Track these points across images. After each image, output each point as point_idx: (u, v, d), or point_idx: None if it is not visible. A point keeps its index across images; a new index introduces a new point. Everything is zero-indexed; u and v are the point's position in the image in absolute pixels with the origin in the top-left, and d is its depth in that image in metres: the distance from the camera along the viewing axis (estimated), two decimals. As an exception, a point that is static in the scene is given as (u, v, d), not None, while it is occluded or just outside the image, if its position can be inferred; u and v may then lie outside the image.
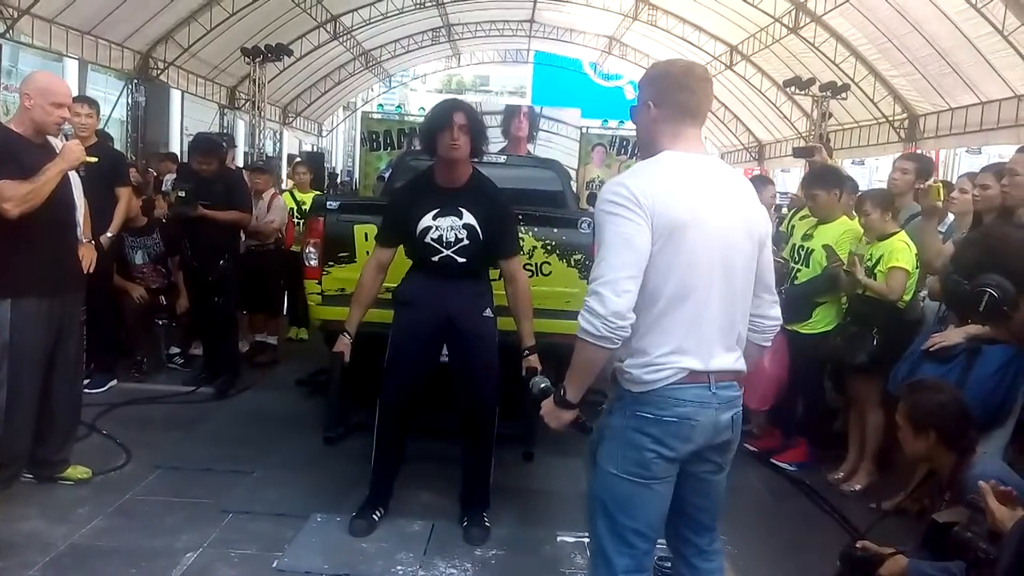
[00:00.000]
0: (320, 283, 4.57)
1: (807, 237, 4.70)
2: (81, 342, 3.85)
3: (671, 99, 2.11)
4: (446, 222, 3.44)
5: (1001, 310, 1.92)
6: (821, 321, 4.52)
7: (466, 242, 3.44)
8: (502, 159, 6.68)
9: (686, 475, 2.17)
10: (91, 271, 3.83)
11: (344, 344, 3.55)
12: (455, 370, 3.59)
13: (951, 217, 4.51)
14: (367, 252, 4.44)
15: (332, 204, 4.67)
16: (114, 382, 5.38)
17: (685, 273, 2.01)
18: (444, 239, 3.44)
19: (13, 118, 3.63)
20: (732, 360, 2.12)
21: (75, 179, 3.72)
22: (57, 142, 3.64)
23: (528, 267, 4.46)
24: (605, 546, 2.15)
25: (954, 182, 4.77)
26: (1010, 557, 1.83)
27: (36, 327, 3.52)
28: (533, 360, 3.47)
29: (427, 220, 3.44)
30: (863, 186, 6.19)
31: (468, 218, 3.43)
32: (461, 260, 3.45)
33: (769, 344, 2.32)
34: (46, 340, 3.58)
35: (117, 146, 9.01)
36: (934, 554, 2.48)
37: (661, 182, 2.02)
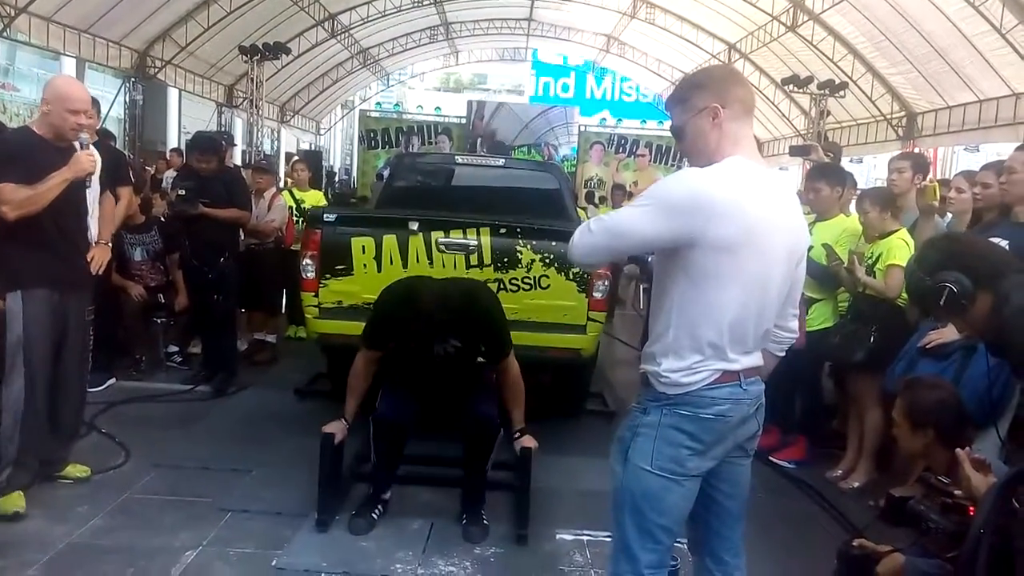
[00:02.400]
0: (317, 295, 4.55)
1: (805, 234, 4.70)
2: (87, 341, 3.87)
3: (733, 96, 2.10)
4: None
5: (960, 304, 2.11)
6: (818, 318, 4.53)
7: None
8: (500, 161, 6.69)
9: (718, 463, 2.20)
10: (100, 272, 3.88)
11: (339, 428, 3.57)
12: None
13: (949, 216, 4.52)
14: (364, 265, 4.46)
15: (329, 217, 4.64)
16: (112, 380, 5.39)
17: (729, 288, 2.04)
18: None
19: (36, 120, 3.69)
20: (756, 359, 2.18)
21: (94, 183, 3.74)
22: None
23: (526, 280, 4.48)
24: (630, 542, 2.16)
25: (951, 179, 4.77)
26: (982, 521, 1.92)
27: (45, 320, 3.54)
28: (526, 441, 3.59)
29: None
30: (861, 184, 6.19)
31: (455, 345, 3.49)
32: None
33: (783, 354, 2.36)
34: (54, 335, 3.60)
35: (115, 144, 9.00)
36: (890, 526, 2.61)
37: (732, 193, 2.01)
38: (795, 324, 2.33)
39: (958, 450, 2.32)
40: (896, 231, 4.27)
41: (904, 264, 4.11)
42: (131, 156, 11.92)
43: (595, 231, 2.08)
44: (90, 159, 3.56)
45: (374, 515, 3.59)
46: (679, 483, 2.12)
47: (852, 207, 4.87)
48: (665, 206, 2.02)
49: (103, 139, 5.29)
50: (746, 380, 2.13)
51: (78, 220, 3.69)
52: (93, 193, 3.79)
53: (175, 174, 8.04)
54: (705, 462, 2.13)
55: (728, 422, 2.11)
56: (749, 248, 2.03)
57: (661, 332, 2.12)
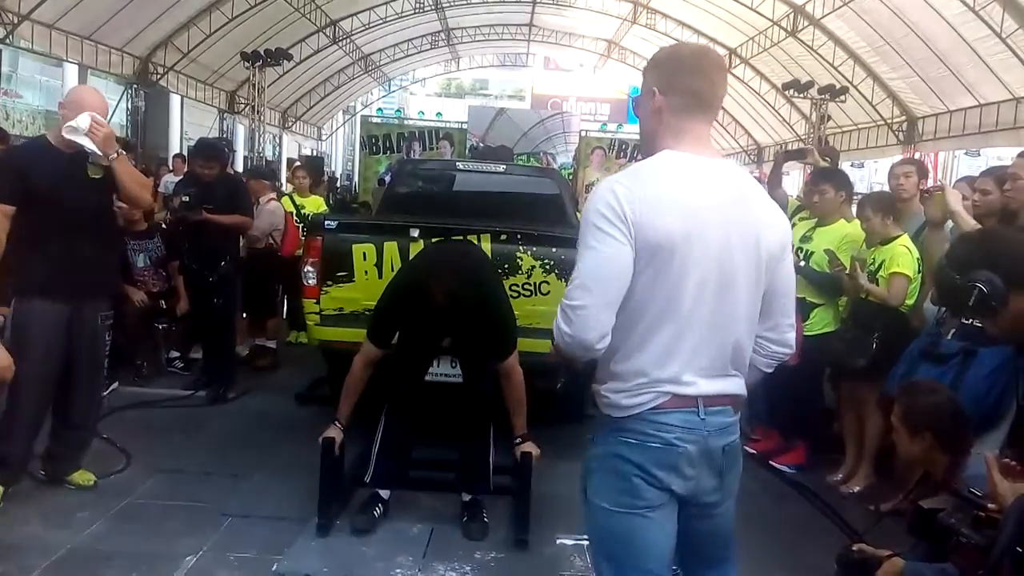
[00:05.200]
0: (318, 302, 4.56)
1: (806, 239, 4.70)
2: (103, 347, 3.89)
3: (680, 85, 1.86)
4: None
5: (990, 305, 1.98)
6: (819, 323, 4.53)
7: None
8: (501, 168, 6.70)
9: (685, 514, 1.94)
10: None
11: (336, 432, 3.59)
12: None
13: (950, 224, 4.51)
14: (365, 272, 4.47)
15: (330, 224, 4.64)
16: (115, 385, 5.37)
17: (671, 294, 1.80)
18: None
19: (53, 128, 3.74)
20: (727, 384, 1.90)
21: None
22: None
23: (527, 287, 4.49)
24: None
25: (951, 185, 4.77)
26: (1009, 534, 1.83)
27: (44, 329, 3.55)
28: (526, 447, 3.61)
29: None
30: (861, 189, 6.18)
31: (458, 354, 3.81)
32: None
33: (771, 370, 2.07)
34: (56, 343, 3.61)
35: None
36: (919, 539, 2.49)
37: (654, 190, 1.79)
38: (791, 337, 2.03)
39: (987, 454, 2.24)
40: (898, 237, 4.25)
41: (908, 272, 4.11)
42: (133, 163, 11.93)
43: (574, 304, 1.76)
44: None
45: (375, 513, 3.60)
46: (644, 516, 1.86)
47: (851, 210, 4.87)
48: (600, 222, 1.76)
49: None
50: (707, 408, 1.85)
51: (91, 222, 3.68)
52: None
53: (175, 180, 8.06)
54: (665, 494, 1.87)
55: (680, 454, 1.83)
56: (685, 250, 1.78)
57: (609, 350, 1.84)
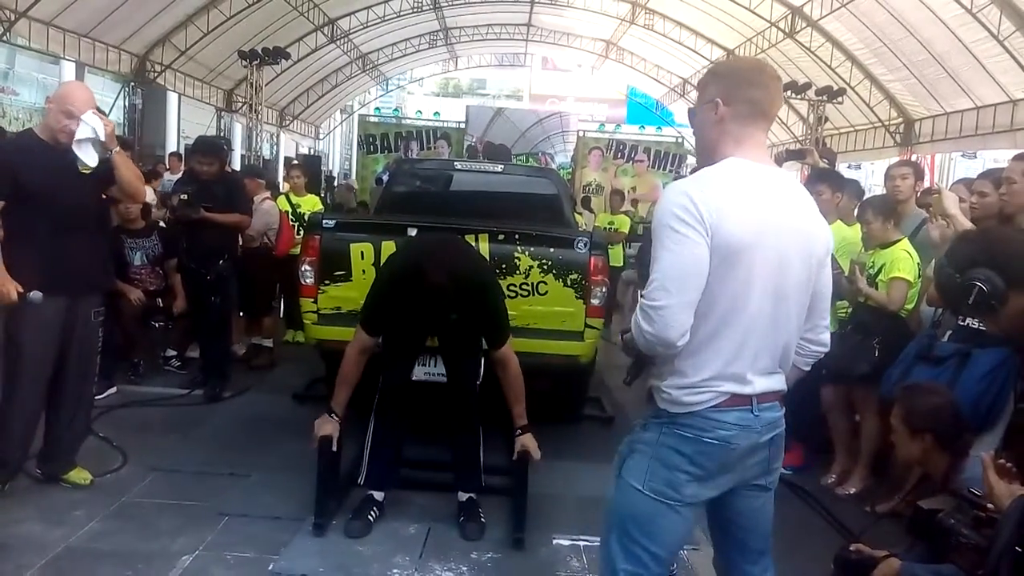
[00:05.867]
0: (316, 301, 4.56)
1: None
2: (96, 343, 3.87)
3: (742, 96, 1.97)
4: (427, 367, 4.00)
5: (989, 304, 2.00)
6: (817, 325, 4.52)
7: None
8: (499, 168, 6.70)
9: (730, 495, 2.05)
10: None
11: (332, 427, 3.56)
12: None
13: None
14: (363, 271, 4.46)
15: (328, 223, 4.63)
16: (113, 390, 5.32)
17: (737, 296, 1.89)
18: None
19: (40, 122, 3.73)
20: (775, 381, 2.03)
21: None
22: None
23: (524, 287, 4.48)
24: (616, 565, 2.02)
25: (948, 187, 4.78)
26: (1007, 535, 1.83)
27: (38, 327, 3.54)
28: (525, 439, 3.56)
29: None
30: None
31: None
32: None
33: (808, 368, 2.20)
34: (48, 339, 3.60)
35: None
36: (919, 540, 2.51)
37: (726, 195, 1.88)
38: (826, 337, 2.15)
39: (983, 455, 2.26)
40: (898, 241, 4.25)
41: (908, 277, 4.11)
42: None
43: (655, 304, 1.84)
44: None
45: (370, 517, 3.59)
46: (673, 509, 1.96)
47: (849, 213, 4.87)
48: (677, 224, 1.85)
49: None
50: (760, 405, 1.97)
51: (82, 218, 3.67)
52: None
53: (173, 179, 8.05)
54: (705, 490, 1.98)
55: (733, 450, 1.94)
56: (752, 254, 1.88)
57: None
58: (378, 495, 3.70)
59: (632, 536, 2.00)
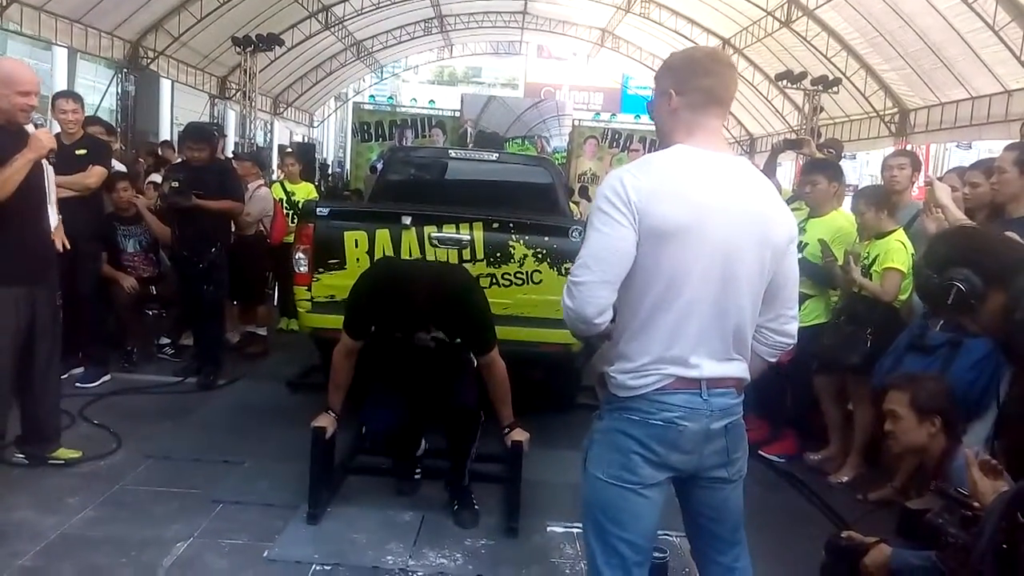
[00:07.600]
0: (310, 289, 4.54)
1: (799, 230, 4.69)
2: (57, 327, 3.87)
3: (695, 84, 1.98)
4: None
5: (968, 303, 2.00)
6: (811, 314, 4.52)
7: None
8: (493, 156, 6.68)
9: (692, 485, 2.08)
10: (67, 248, 3.96)
11: (328, 421, 3.55)
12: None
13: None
14: (357, 259, 4.44)
15: (322, 210, 4.60)
16: (107, 377, 5.31)
17: (674, 279, 1.91)
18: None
19: None
20: (731, 368, 2.01)
21: (47, 167, 3.74)
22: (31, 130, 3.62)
23: (519, 275, 4.48)
24: (596, 558, 2.05)
25: (939, 177, 4.79)
26: (990, 532, 1.83)
27: (6, 316, 3.55)
28: (515, 435, 3.56)
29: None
30: (853, 180, 6.19)
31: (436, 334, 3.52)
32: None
33: (774, 360, 2.18)
34: (20, 328, 3.62)
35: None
36: (907, 540, 2.52)
37: (661, 181, 1.91)
38: (793, 328, 2.13)
39: (967, 451, 2.27)
40: (893, 231, 4.26)
41: (901, 267, 4.11)
42: (122, 148, 11.85)
43: (576, 280, 1.92)
44: (48, 136, 3.54)
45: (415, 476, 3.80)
46: (636, 492, 1.99)
47: (845, 204, 4.88)
48: (606, 207, 1.90)
49: (92, 130, 5.30)
50: (711, 390, 1.97)
51: (38, 204, 3.67)
52: (50, 179, 3.79)
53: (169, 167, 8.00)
54: (661, 472, 2.00)
55: (681, 432, 1.96)
56: (687, 238, 1.89)
57: (617, 332, 2.01)
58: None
59: (604, 528, 2.04)
